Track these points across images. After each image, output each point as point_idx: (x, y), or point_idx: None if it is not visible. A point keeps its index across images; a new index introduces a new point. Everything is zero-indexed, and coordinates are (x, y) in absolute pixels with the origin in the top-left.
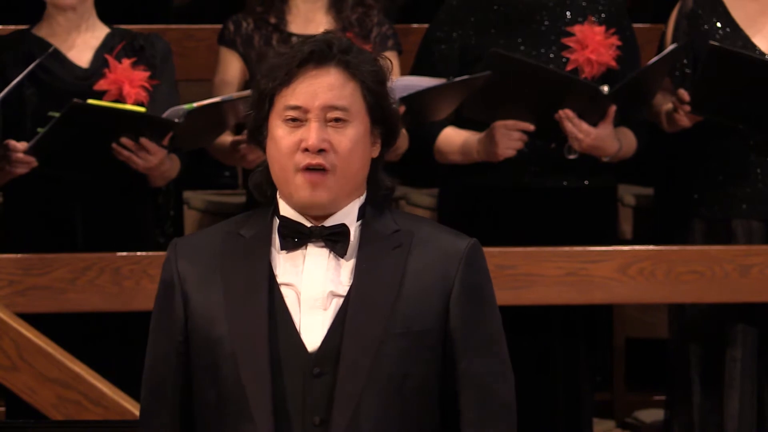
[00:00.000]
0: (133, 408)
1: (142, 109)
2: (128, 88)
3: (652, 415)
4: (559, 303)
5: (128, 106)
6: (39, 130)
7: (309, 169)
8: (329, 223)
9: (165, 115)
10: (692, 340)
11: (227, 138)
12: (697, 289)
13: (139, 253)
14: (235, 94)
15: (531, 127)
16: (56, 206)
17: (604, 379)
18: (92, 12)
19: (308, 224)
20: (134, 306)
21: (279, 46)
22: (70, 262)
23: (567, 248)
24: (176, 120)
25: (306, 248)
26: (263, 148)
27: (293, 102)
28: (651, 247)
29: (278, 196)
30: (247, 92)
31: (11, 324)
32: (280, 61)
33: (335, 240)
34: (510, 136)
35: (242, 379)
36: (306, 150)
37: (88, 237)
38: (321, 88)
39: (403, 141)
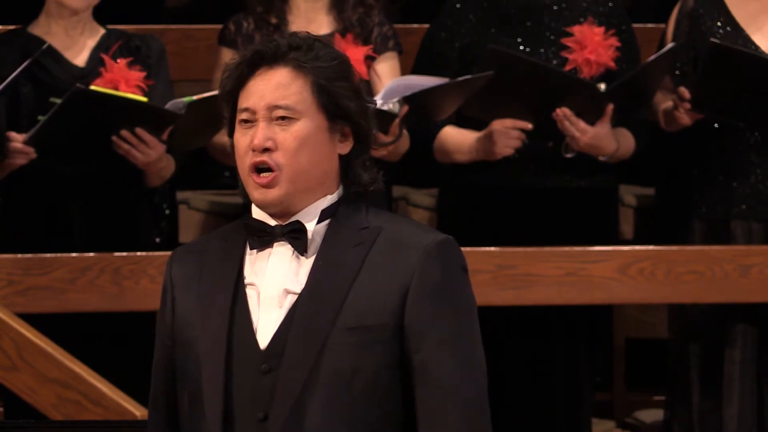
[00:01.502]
0: (133, 408)
1: (144, 99)
2: (124, 87)
3: (652, 415)
4: (559, 303)
5: (130, 95)
6: (40, 118)
7: (258, 170)
8: (290, 221)
9: (166, 107)
10: (692, 340)
11: (226, 138)
12: (697, 289)
13: (138, 253)
14: None
15: (529, 125)
16: (54, 205)
17: (604, 379)
18: (89, 14)
19: (272, 223)
20: (134, 306)
21: None
22: (70, 262)
23: (567, 248)
24: (177, 112)
25: (272, 248)
26: None
27: (244, 104)
28: (651, 247)
29: None
30: None
31: (11, 324)
32: (232, 66)
33: (296, 238)
34: (508, 135)
35: (201, 379)
36: (253, 150)
37: (86, 236)
38: (268, 88)
39: (404, 142)
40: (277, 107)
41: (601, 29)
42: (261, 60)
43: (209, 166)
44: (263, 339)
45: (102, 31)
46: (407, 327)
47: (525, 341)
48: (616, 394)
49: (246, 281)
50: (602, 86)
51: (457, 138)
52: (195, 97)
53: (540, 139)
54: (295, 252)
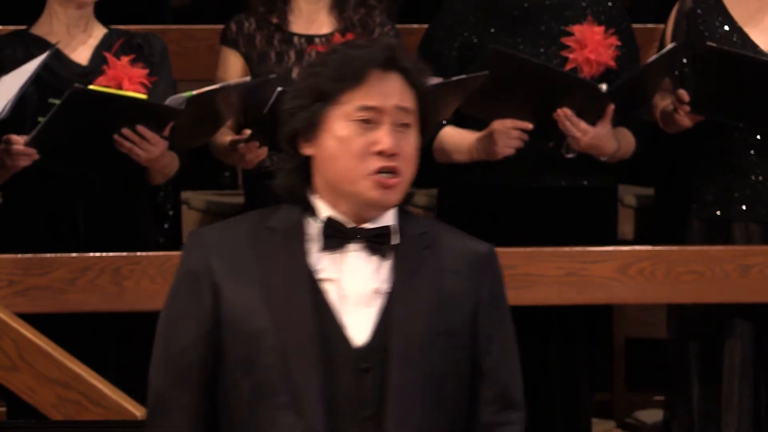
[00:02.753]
0: (133, 408)
1: (143, 96)
2: (127, 84)
3: (652, 415)
4: (559, 303)
5: (129, 93)
6: (40, 119)
7: (382, 172)
8: (370, 225)
9: (166, 103)
10: (691, 339)
11: (227, 138)
12: (697, 289)
13: (139, 254)
14: (233, 81)
15: (529, 125)
16: (56, 206)
17: (604, 379)
18: (91, 12)
19: (350, 225)
20: (134, 306)
21: (281, 46)
22: (70, 262)
23: (567, 248)
24: (177, 107)
25: (347, 247)
26: (297, 146)
27: (368, 102)
28: (651, 247)
29: (315, 197)
30: (246, 79)
31: (11, 324)
32: (346, 61)
33: (377, 241)
34: (509, 135)
35: (292, 371)
36: (380, 153)
37: (90, 236)
38: (392, 90)
39: None
40: (404, 110)
41: (601, 28)
42: (375, 62)
43: (209, 166)
44: (357, 336)
45: (104, 30)
46: (479, 332)
47: (524, 341)
48: (616, 394)
49: (321, 276)
50: (603, 86)
51: (456, 138)
52: (195, 92)
53: (541, 139)
54: (372, 252)
